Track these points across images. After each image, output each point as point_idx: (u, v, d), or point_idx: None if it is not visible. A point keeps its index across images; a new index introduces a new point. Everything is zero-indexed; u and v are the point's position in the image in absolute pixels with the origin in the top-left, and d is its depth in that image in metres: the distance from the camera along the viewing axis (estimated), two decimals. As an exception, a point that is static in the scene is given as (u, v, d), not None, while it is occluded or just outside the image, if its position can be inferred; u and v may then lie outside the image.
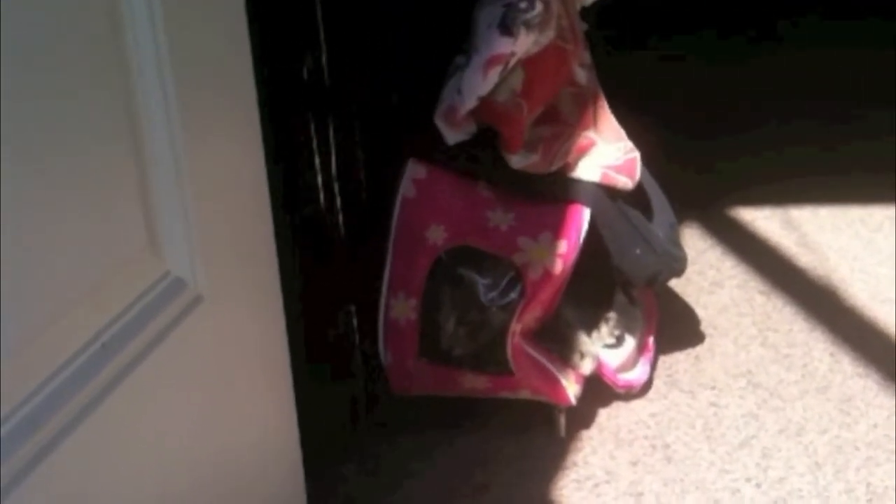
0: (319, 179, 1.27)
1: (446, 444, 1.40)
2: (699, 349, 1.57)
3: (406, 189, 1.32)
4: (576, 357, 1.37)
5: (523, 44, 1.23)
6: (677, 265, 1.44)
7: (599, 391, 1.46)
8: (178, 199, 0.89)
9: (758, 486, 1.33)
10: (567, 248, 1.32)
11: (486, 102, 1.27)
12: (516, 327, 1.32)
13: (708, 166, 1.98)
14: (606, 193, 1.36)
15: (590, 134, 1.36)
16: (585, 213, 1.33)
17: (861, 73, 2.32)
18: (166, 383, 0.91)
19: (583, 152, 1.35)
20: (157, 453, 0.91)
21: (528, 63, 1.27)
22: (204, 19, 0.91)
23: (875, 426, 1.41)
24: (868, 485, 1.32)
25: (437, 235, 1.32)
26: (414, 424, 1.42)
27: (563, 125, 1.35)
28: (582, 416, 1.43)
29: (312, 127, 1.23)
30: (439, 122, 1.29)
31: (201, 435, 0.98)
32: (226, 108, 0.96)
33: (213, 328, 0.96)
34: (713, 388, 1.49)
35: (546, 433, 1.41)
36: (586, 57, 1.38)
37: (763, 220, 1.84)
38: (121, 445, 0.86)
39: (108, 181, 0.83)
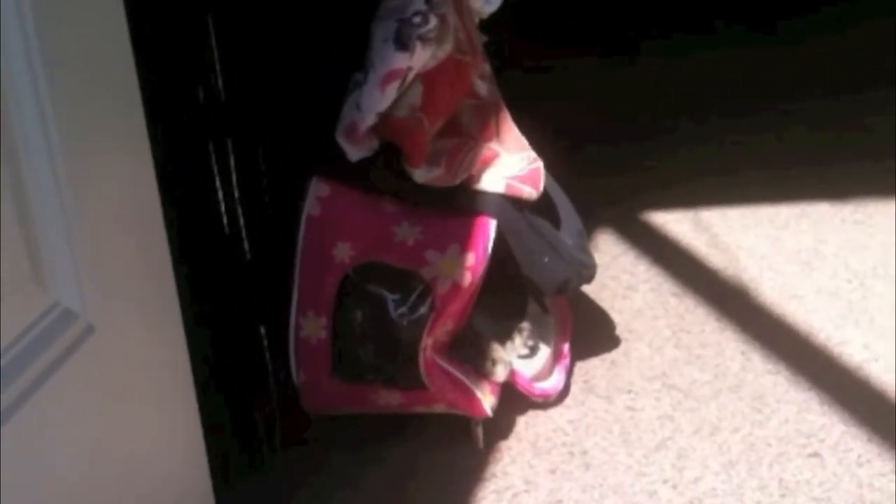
0: (222, 202, 1.25)
1: (367, 463, 1.39)
2: (615, 354, 1.58)
3: (311, 207, 1.31)
4: (488, 364, 1.37)
5: (420, 58, 1.23)
6: (587, 272, 1.45)
7: (516, 400, 1.46)
8: (62, 228, 0.87)
9: (674, 487, 1.34)
10: (475, 260, 1.32)
11: (386, 118, 1.26)
12: (428, 341, 1.32)
13: (616, 171, 2.00)
14: (512, 204, 1.36)
15: (492, 145, 1.37)
16: (492, 225, 1.33)
17: (763, 70, 2.36)
18: (59, 419, 0.89)
19: (486, 164, 1.35)
20: (53, 487, 0.89)
21: (427, 77, 1.27)
22: (84, 40, 0.90)
23: (786, 421, 1.44)
24: (780, 480, 1.34)
25: (343, 253, 1.31)
26: (333, 442, 1.41)
27: (465, 137, 1.35)
28: (500, 425, 1.43)
29: (212, 149, 1.22)
30: (341, 140, 1.28)
31: (101, 468, 0.96)
32: (113, 134, 0.94)
33: (108, 358, 0.94)
34: (629, 391, 1.51)
35: (465, 445, 1.41)
36: (486, 68, 1.38)
37: (674, 223, 1.86)
38: (15, 482, 0.84)
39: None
